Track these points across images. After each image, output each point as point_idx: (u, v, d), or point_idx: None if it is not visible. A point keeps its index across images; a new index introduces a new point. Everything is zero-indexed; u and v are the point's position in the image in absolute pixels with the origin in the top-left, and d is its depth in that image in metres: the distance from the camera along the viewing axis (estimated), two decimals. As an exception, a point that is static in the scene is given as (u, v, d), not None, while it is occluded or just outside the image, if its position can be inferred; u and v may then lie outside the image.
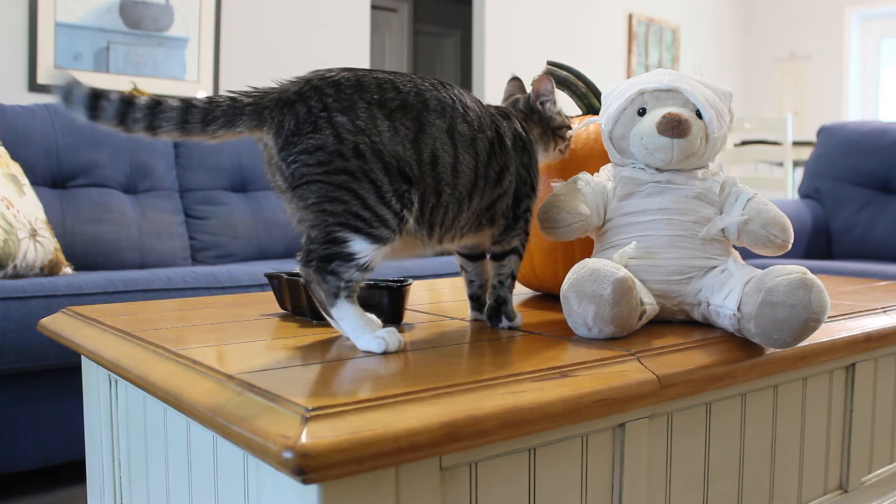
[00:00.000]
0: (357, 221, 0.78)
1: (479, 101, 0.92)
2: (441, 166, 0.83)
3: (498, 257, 0.96)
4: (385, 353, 0.81)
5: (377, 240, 0.79)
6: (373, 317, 0.87)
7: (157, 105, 0.75)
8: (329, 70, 0.81)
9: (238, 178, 2.63)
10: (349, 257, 0.79)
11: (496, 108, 0.97)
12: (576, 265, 0.90)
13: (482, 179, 0.88)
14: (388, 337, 0.81)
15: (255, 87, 0.80)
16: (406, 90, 0.82)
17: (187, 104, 0.76)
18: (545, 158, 1.05)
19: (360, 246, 0.78)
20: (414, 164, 0.81)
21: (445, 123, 0.84)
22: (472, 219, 0.90)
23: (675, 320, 1.00)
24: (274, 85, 0.81)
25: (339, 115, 0.77)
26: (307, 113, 0.77)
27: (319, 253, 0.79)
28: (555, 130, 1.03)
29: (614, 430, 0.82)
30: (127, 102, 0.74)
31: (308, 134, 0.77)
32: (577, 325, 0.89)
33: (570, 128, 1.06)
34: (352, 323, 0.82)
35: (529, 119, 1.01)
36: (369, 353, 0.81)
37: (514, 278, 0.97)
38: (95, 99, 0.74)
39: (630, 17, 5.97)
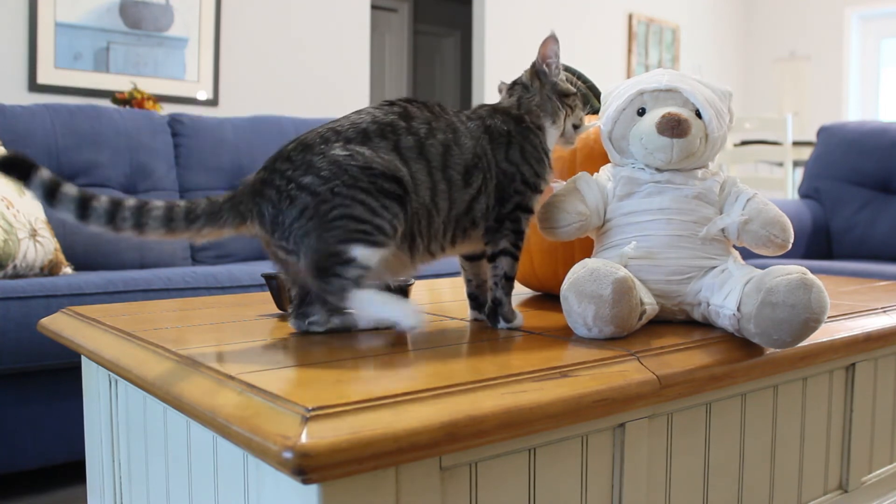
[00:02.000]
0: (355, 234, 0.81)
1: (440, 106, 0.93)
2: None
3: (490, 258, 0.96)
4: (411, 330, 0.85)
5: (375, 244, 0.82)
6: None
7: (143, 205, 0.81)
8: (278, 152, 0.86)
9: (238, 178, 2.61)
10: (350, 261, 0.82)
11: (472, 110, 0.97)
12: (576, 265, 0.90)
13: (442, 183, 0.89)
14: (419, 315, 0.86)
15: (225, 192, 0.87)
16: (345, 129, 0.85)
17: (171, 205, 0.81)
18: (558, 135, 1.00)
19: (359, 252, 0.82)
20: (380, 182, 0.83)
21: (390, 143, 0.86)
22: (451, 225, 0.91)
23: (675, 320, 1.00)
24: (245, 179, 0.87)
25: (304, 178, 0.81)
26: (277, 193, 0.82)
27: (322, 264, 0.82)
28: (561, 96, 1.00)
29: (614, 430, 0.82)
30: (115, 204, 0.80)
31: (288, 208, 0.81)
32: (577, 325, 0.89)
33: (574, 94, 1.01)
34: (378, 303, 0.84)
35: (532, 95, 0.98)
36: (374, 352, 0.81)
37: (508, 279, 0.96)
38: (85, 202, 0.80)
39: (630, 17, 5.97)
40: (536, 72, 1.00)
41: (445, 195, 0.89)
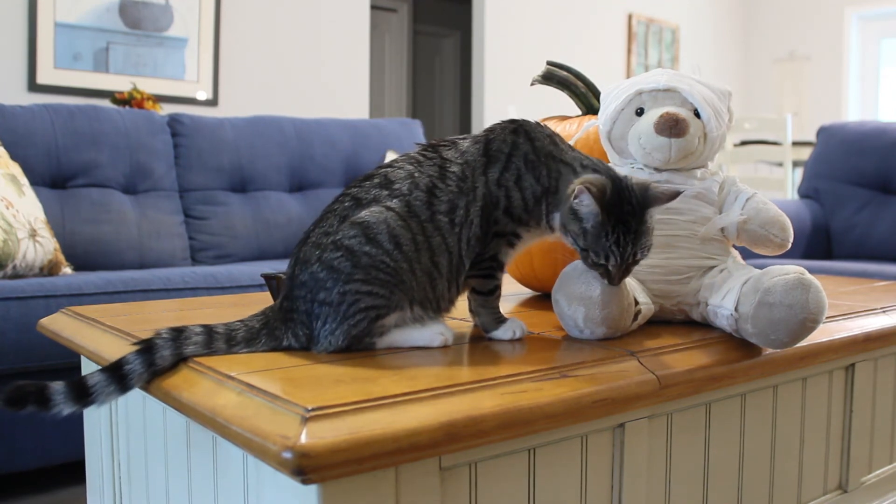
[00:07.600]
0: (372, 311, 0.81)
1: (438, 146, 0.88)
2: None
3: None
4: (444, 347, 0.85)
5: (380, 309, 0.82)
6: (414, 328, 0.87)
7: (180, 334, 0.79)
8: (290, 277, 0.85)
9: (237, 179, 2.63)
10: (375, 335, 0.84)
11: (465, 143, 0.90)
12: (566, 267, 0.90)
13: (436, 236, 0.85)
14: (446, 331, 0.86)
15: (259, 312, 0.86)
16: (335, 229, 0.83)
17: (210, 331, 0.81)
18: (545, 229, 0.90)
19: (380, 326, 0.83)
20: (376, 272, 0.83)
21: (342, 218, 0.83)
22: (453, 280, 0.87)
23: (675, 320, 1.00)
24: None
25: (319, 294, 0.81)
26: (307, 315, 0.82)
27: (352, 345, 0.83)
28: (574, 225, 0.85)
29: (614, 430, 0.82)
30: (149, 351, 0.78)
31: (316, 312, 0.81)
32: (569, 326, 0.89)
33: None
34: (401, 340, 0.85)
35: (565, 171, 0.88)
36: (373, 352, 0.81)
37: (479, 293, 0.91)
38: (119, 365, 0.77)
39: (630, 18, 5.97)
40: (571, 206, 0.85)
41: (443, 247, 0.84)
